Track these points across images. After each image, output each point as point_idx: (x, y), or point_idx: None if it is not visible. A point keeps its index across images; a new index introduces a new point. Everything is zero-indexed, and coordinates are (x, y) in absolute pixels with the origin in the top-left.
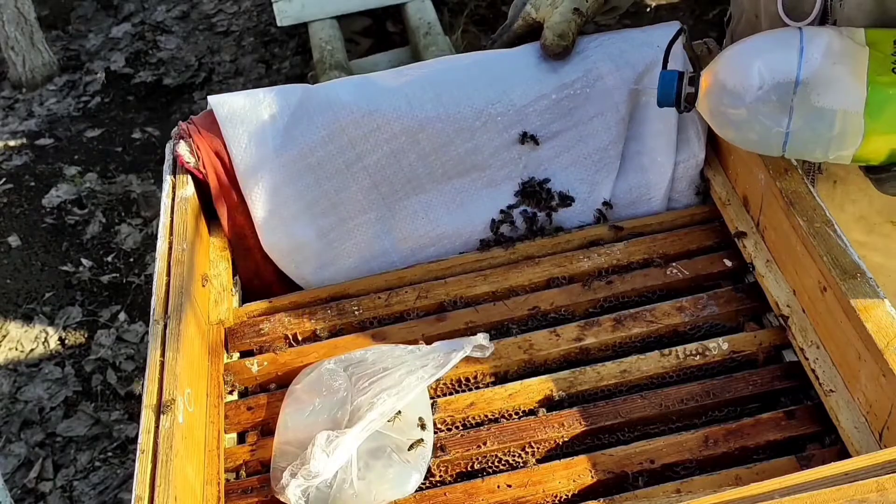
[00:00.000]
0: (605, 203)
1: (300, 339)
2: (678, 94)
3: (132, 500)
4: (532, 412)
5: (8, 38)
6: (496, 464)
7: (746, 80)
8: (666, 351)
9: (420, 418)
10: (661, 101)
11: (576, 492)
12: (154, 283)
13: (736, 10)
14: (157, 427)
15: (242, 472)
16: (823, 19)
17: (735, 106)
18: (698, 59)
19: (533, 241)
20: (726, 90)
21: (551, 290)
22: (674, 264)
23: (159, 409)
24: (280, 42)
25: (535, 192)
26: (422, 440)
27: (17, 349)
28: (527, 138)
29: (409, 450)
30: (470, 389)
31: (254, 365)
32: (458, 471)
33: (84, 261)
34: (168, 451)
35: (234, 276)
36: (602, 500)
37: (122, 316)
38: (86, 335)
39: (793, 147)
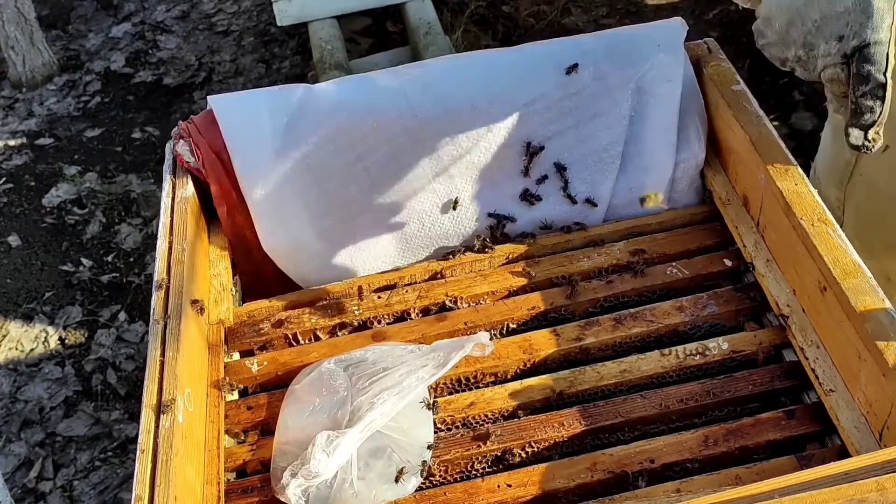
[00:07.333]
0: (593, 204)
1: (300, 338)
2: None
3: (132, 500)
4: (532, 412)
5: (8, 38)
6: (496, 464)
7: None
8: (666, 351)
9: (424, 462)
10: None
11: (576, 492)
12: (154, 282)
13: None
14: (157, 427)
15: (243, 472)
16: None
17: None
18: None
19: (533, 240)
20: None
21: (551, 290)
22: (674, 264)
23: (159, 409)
24: (280, 42)
25: (535, 193)
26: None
27: (17, 349)
28: (533, 147)
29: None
30: (470, 389)
31: (254, 365)
32: (458, 471)
33: (84, 260)
34: (168, 451)
35: (234, 276)
36: (602, 499)
37: (122, 316)
38: (86, 335)
39: None
